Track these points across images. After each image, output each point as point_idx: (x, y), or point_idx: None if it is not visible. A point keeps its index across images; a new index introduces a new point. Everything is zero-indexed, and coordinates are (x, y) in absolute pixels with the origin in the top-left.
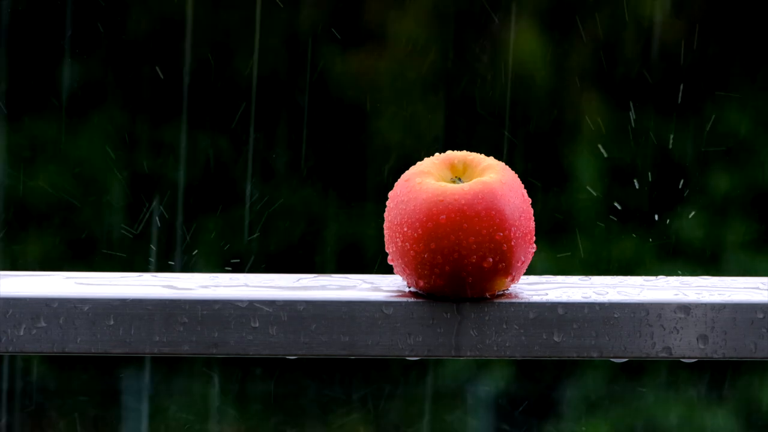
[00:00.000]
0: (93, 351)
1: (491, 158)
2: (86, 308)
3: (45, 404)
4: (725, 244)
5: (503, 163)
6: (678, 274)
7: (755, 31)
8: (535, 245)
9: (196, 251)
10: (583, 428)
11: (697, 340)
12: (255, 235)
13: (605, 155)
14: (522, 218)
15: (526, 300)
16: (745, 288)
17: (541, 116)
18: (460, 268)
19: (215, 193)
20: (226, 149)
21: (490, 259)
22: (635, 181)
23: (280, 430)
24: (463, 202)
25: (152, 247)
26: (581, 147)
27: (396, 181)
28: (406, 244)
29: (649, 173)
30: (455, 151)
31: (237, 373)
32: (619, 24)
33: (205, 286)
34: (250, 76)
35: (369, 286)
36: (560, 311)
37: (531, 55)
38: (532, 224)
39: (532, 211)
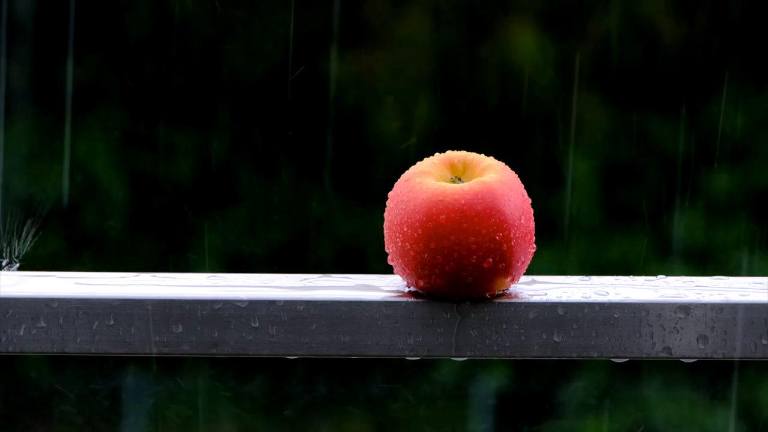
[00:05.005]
0: (93, 351)
1: (491, 158)
2: (86, 308)
3: (45, 404)
4: (725, 244)
5: (503, 163)
6: (678, 274)
7: (755, 31)
8: (535, 245)
9: (196, 251)
10: (583, 428)
11: (697, 340)
12: (255, 235)
13: (605, 155)
14: (522, 218)
15: (526, 300)
16: (745, 288)
17: (540, 116)
18: (460, 268)
19: (215, 193)
20: (226, 149)
21: (490, 259)
22: (635, 180)
23: (280, 430)
24: (463, 202)
25: (152, 246)
26: (581, 146)
27: (396, 181)
28: (406, 244)
29: (649, 173)
30: (455, 151)
31: (237, 373)
32: (619, 24)
33: (205, 286)
34: (250, 75)
35: (369, 286)
36: (560, 311)
37: (531, 54)
38: (532, 224)
39: (532, 211)
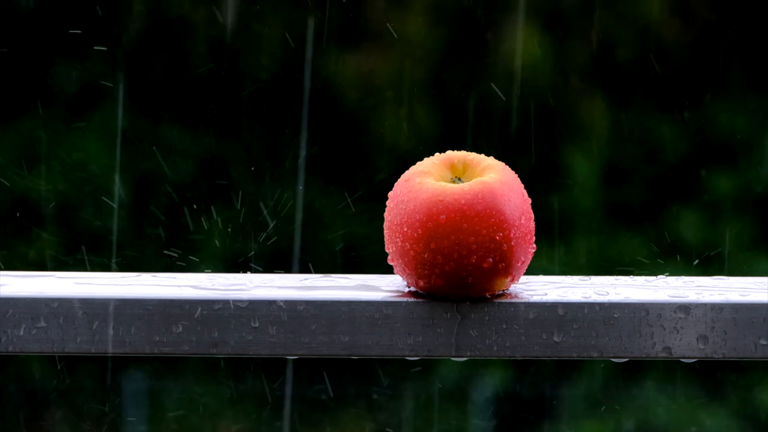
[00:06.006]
0: (93, 351)
1: (491, 158)
2: (86, 308)
3: (45, 404)
4: (725, 244)
5: (503, 163)
6: (678, 274)
7: (754, 31)
8: (535, 245)
9: (196, 251)
10: (583, 428)
11: (697, 340)
12: (254, 235)
13: (605, 155)
14: (522, 218)
15: (526, 300)
16: (745, 288)
17: (540, 116)
18: (460, 268)
19: (215, 193)
20: (226, 149)
21: (490, 259)
22: (635, 180)
23: (281, 430)
24: (463, 202)
25: (152, 246)
26: (581, 146)
27: (396, 181)
28: (406, 244)
29: (649, 173)
30: (455, 151)
31: (237, 373)
32: (619, 23)
33: (205, 287)
34: (251, 75)
35: (369, 286)
36: (560, 311)
37: (531, 54)
38: (532, 224)
39: (532, 211)
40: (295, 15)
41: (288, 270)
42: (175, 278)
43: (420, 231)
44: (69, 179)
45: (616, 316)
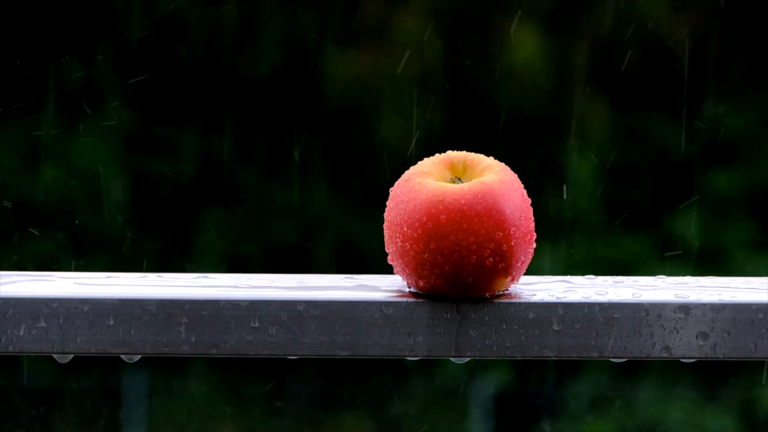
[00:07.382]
0: (93, 351)
1: (491, 158)
2: (86, 308)
3: (45, 404)
4: (725, 244)
5: (503, 164)
6: (678, 274)
7: (755, 31)
8: (535, 245)
9: (196, 251)
10: (584, 428)
11: (697, 339)
12: (255, 235)
13: (605, 155)
14: (522, 218)
15: (526, 300)
16: (745, 288)
17: (540, 116)
18: (460, 268)
19: (215, 193)
20: (226, 149)
21: (490, 259)
22: (635, 181)
23: (281, 430)
24: (463, 202)
25: (152, 246)
26: (581, 147)
27: (396, 181)
28: (406, 244)
29: (649, 173)
30: (455, 151)
31: (237, 373)
32: (619, 24)
33: (205, 286)
34: (250, 75)
35: (369, 286)
36: (560, 311)
37: (531, 55)
38: (532, 224)
39: (532, 211)
40: (296, 15)
41: (288, 270)
42: (176, 278)
43: (420, 231)
44: (69, 179)
45: (616, 316)
